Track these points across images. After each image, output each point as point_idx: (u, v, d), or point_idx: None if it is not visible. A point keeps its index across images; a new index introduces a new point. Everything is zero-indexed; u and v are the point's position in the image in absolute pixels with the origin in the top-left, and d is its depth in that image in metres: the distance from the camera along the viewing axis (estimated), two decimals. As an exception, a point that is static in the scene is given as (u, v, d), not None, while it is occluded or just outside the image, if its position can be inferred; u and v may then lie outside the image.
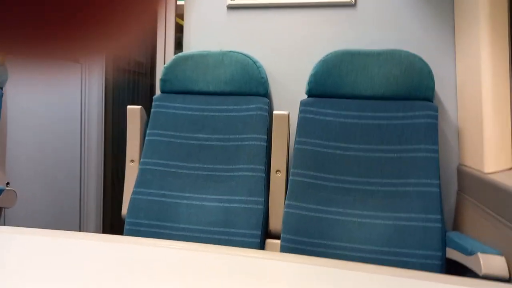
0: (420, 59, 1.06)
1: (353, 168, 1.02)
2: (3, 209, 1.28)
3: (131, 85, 2.35)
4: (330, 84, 1.10)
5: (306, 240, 0.97)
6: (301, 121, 1.09)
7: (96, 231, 2.08)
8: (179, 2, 1.93)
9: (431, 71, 1.05)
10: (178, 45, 1.95)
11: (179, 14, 1.94)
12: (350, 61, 1.10)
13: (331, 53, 1.12)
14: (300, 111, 1.10)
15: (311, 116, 1.08)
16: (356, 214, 0.98)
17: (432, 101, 1.06)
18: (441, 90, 1.16)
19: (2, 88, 1.34)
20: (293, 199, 1.02)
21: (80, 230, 2.03)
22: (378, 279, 0.55)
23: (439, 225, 0.91)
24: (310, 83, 1.12)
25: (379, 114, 1.05)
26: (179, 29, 1.94)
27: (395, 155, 1.01)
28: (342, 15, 1.23)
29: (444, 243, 0.91)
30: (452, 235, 0.93)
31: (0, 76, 1.34)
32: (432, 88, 1.05)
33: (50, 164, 1.84)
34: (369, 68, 1.09)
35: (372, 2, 1.21)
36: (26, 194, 1.67)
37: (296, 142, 1.08)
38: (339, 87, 1.10)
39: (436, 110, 1.02)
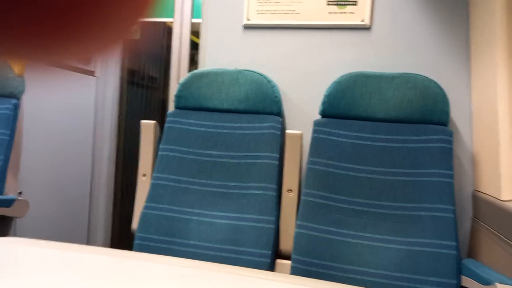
0: (435, 84, 1.06)
1: (365, 190, 1.01)
2: (15, 218, 1.29)
3: (144, 99, 2.38)
4: (343, 105, 1.11)
5: (317, 262, 0.95)
6: (314, 141, 1.09)
7: (104, 243, 2.08)
8: (194, 20, 1.97)
9: (446, 95, 1.05)
10: (191, 62, 1.98)
11: (194, 31, 1.97)
12: (364, 83, 1.10)
13: (345, 74, 1.13)
14: (314, 131, 1.10)
15: (324, 136, 1.08)
16: (367, 237, 0.96)
17: (446, 126, 1.05)
18: (456, 115, 1.16)
19: (18, 99, 1.37)
20: (305, 219, 1.01)
21: (88, 242, 2.03)
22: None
23: (454, 252, 0.90)
24: (324, 103, 1.12)
25: (392, 137, 1.05)
26: (193, 47, 1.97)
27: (407, 178, 1.00)
28: (357, 38, 1.24)
29: (459, 270, 0.89)
30: (468, 262, 0.91)
31: (17, 87, 1.37)
32: (447, 112, 1.04)
33: (61, 174, 1.86)
34: (383, 90, 1.09)
35: (387, 25, 1.22)
36: (37, 203, 1.68)
37: (309, 162, 1.07)
38: (353, 108, 1.10)
39: (451, 135, 1.02)
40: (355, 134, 1.07)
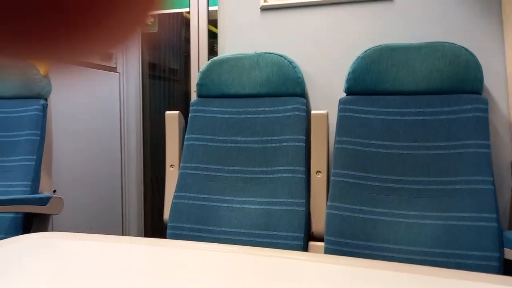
0: (466, 50, 1.01)
1: (398, 167, 0.98)
2: (51, 216, 1.33)
3: (167, 91, 2.39)
4: (369, 81, 1.07)
5: (350, 242, 0.94)
6: (341, 120, 1.06)
7: (138, 234, 2.13)
8: (211, 8, 1.95)
9: (478, 62, 1.00)
10: (211, 51, 1.97)
11: (211, 20, 1.96)
12: (390, 56, 1.06)
13: (369, 49, 1.09)
14: (340, 110, 1.08)
15: (351, 114, 1.05)
16: (402, 214, 0.94)
17: (480, 94, 1.00)
18: (490, 82, 1.10)
19: (46, 99, 1.40)
20: (336, 200, 0.99)
21: (122, 233, 2.09)
22: (430, 281, 0.52)
23: (495, 224, 0.86)
24: (348, 80, 1.09)
25: (423, 110, 1.01)
26: (212, 36, 1.96)
27: (442, 151, 0.96)
28: (380, 10, 1.19)
29: (501, 243, 0.85)
30: (510, 234, 0.87)
31: (44, 88, 1.40)
32: (480, 80, 0.99)
33: (92, 171, 1.90)
34: (410, 62, 1.05)
35: (411, -6, 1.17)
36: (71, 200, 1.73)
37: (336, 142, 1.05)
38: (379, 83, 1.06)
39: (486, 103, 0.97)
40: (383, 109, 1.03)
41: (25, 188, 1.27)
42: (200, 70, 1.25)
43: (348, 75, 1.09)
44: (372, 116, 1.04)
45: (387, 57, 1.07)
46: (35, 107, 1.36)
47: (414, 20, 1.17)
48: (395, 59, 1.06)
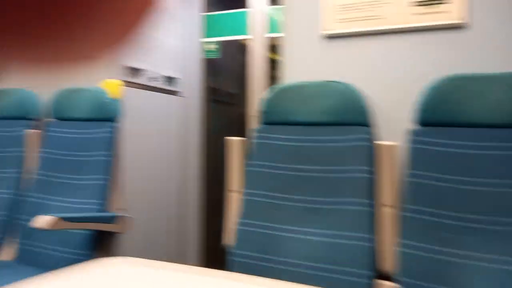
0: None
1: (479, 205, 0.91)
2: (120, 234, 1.38)
3: (224, 115, 2.45)
4: (443, 112, 1.02)
5: (427, 285, 0.88)
6: (413, 152, 1.02)
7: (197, 256, 2.16)
8: (269, 35, 1.99)
9: None
10: (269, 76, 1.99)
11: (270, 46, 1.99)
12: (465, 86, 1.01)
13: (443, 78, 1.04)
14: (411, 141, 1.03)
15: (424, 146, 1.01)
16: (486, 258, 0.87)
17: None
18: None
19: (117, 121, 1.48)
20: (409, 237, 0.94)
21: (179, 256, 2.12)
22: None
23: None
24: (419, 111, 1.05)
25: (507, 144, 0.94)
26: (270, 61, 1.99)
27: None
28: (452, 38, 1.15)
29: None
30: None
31: (115, 111, 1.48)
32: None
33: (153, 192, 1.97)
34: (487, 93, 0.99)
35: (489, 22, 1.11)
36: (136, 220, 1.79)
37: (409, 175, 1.01)
38: (454, 115, 1.01)
39: None
40: (461, 142, 0.98)
41: (96, 206, 1.34)
42: (264, 97, 1.27)
43: (420, 105, 1.05)
44: (450, 149, 0.98)
45: (462, 87, 1.02)
46: (106, 129, 1.44)
47: (490, 49, 1.11)
48: (471, 89, 1.01)
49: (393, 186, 1.06)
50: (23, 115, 1.65)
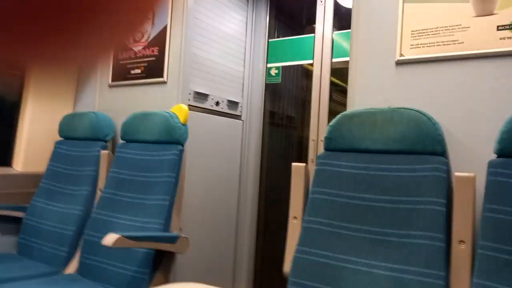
0: None
1: None
2: (176, 254, 1.40)
3: (283, 138, 2.44)
4: (529, 143, 0.94)
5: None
6: (493, 185, 0.94)
7: (248, 278, 2.13)
8: (334, 60, 1.97)
9: None
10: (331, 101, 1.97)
11: (334, 70, 1.97)
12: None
13: (529, 107, 0.96)
14: (491, 173, 0.95)
15: (505, 179, 0.92)
16: None
17: None
18: None
19: (183, 145, 1.53)
20: (486, 277, 0.85)
21: (232, 277, 2.11)
22: None
23: None
24: (501, 141, 0.97)
25: None
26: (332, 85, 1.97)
27: None
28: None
29: None
30: None
31: (182, 135, 1.53)
32: None
33: (211, 213, 1.99)
34: None
35: None
36: (190, 239, 1.82)
37: (486, 210, 0.92)
38: (542, 146, 0.92)
39: None
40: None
41: (158, 226, 1.37)
42: (330, 123, 1.24)
43: (501, 135, 0.97)
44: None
45: (552, 116, 0.93)
46: (173, 152, 1.50)
47: None
48: None
49: (470, 221, 0.98)
50: (98, 137, 1.77)
